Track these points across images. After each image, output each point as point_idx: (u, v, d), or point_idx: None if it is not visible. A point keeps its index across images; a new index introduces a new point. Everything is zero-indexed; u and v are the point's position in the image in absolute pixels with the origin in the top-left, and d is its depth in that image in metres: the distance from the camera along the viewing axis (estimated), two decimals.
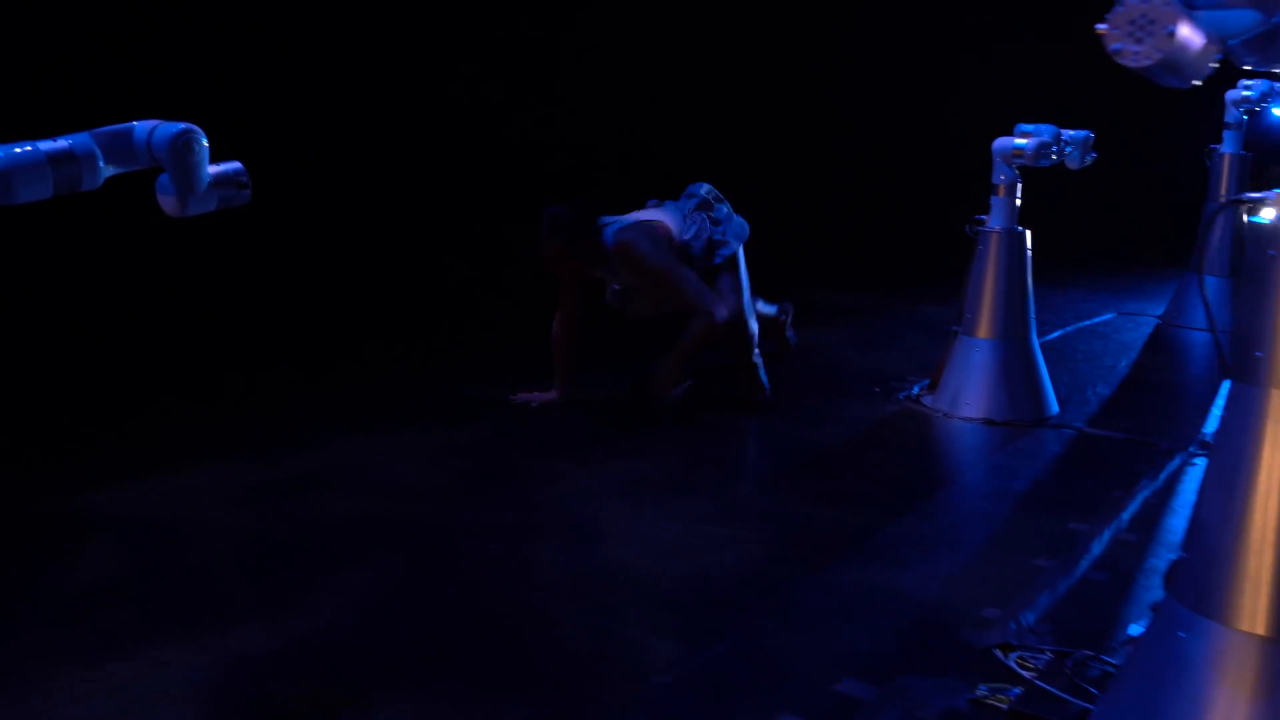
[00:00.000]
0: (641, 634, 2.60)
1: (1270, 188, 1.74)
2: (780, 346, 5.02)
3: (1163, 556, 3.02)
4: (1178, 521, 3.29)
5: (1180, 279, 6.25)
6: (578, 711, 2.28)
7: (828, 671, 2.40)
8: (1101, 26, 1.38)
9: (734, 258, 4.34)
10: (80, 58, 5.55)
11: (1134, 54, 1.32)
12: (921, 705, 2.26)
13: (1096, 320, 6.20)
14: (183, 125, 1.88)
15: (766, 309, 4.84)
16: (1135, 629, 2.51)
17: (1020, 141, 4.31)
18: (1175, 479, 3.65)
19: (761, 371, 4.48)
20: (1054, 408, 4.36)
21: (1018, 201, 4.39)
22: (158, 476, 3.57)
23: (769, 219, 7.87)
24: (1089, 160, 4.59)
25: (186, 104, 2.93)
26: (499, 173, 7.19)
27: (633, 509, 3.39)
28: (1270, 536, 1.77)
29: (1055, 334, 5.73)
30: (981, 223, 4.43)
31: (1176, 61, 1.35)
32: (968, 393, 4.33)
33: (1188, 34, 1.34)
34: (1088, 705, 2.21)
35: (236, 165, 2.01)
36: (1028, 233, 4.40)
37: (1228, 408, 1.88)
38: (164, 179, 1.92)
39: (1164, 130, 8.03)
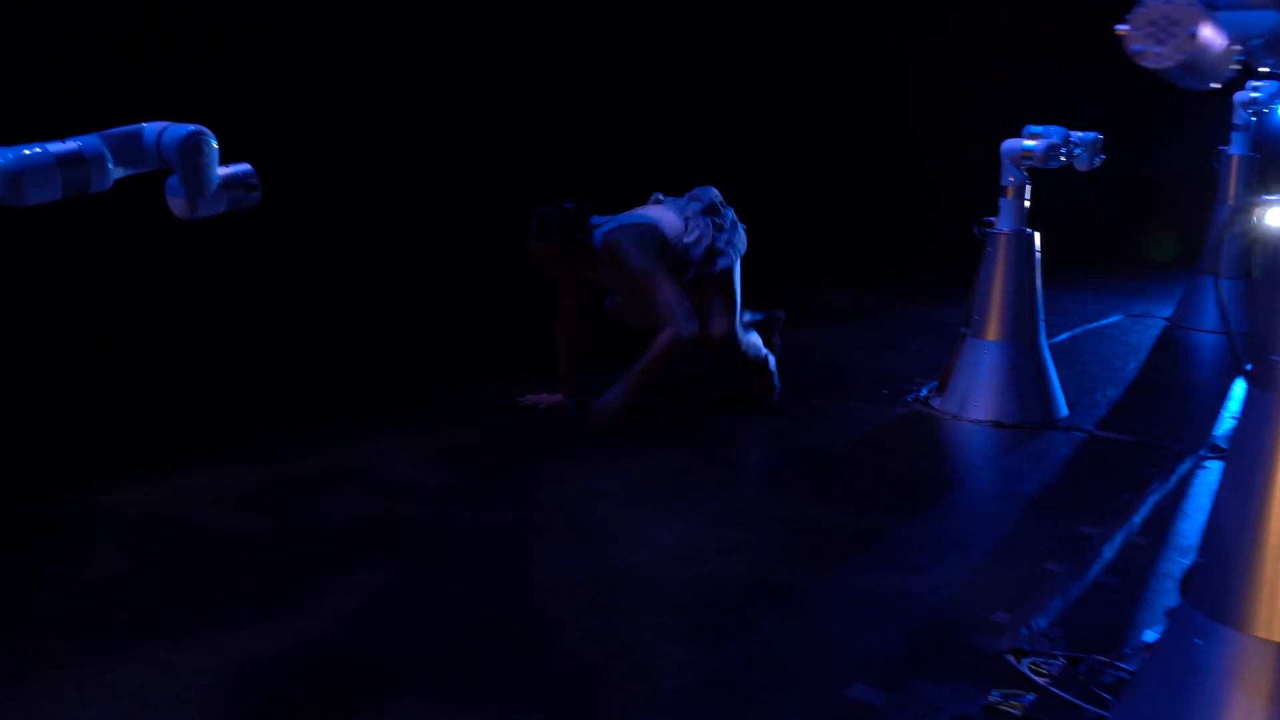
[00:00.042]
0: (651, 638, 2.58)
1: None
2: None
3: (1175, 561, 3.00)
4: (1189, 525, 3.27)
5: (1188, 281, 6.23)
6: (588, 716, 2.27)
7: (839, 676, 2.38)
8: (1122, 28, 1.36)
9: (730, 271, 4.25)
10: (83, 59, 5.54)
11: (1155, 55, 1.31)
12: (934, 711, 2.24)
13: (1104, 322, 6.19)
14: (192, 127, 1.87)
15: (753, 317, 4.71)
16: (1150, 635, 2.49)
17: (1029, 143, 4.29)
18: (1186, 482, 3.63)
19: (774, 371, 4.47)
20: (1063, 410, 4.35)
21: (1026, 203, 4.37)
22: (163, 477, 3.57)
23: (776, 220, 7.86)
24: (1098, 162, 4.57)
25: (186, 104, 2.92)
26: (500, 172, 7.17)
27: (641, 511, 3.37)
28: None
29: (1063, 336, 5.71)
30: (990, 225, 4.42)
31: (1198, 63, 1.34)
32: (976, 395, 4.31)
33: (1210, 35, 1.33)
34: (1102, 712, 2.19)
35: (246, 167, 2.00)
36: (1036, 235, 4.38)
37: (1243, 412, 1.86)
38: (173, 181, 1.91)
39: (1170, 131, 8.01)
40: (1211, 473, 3.71)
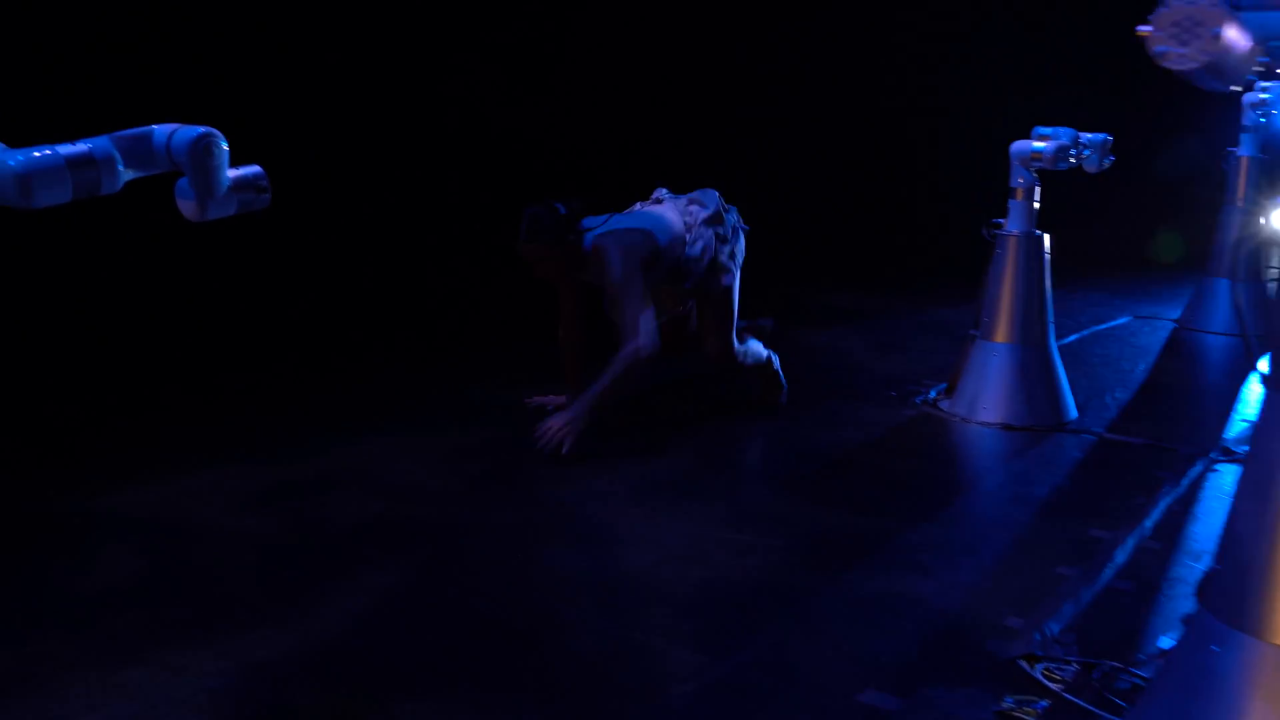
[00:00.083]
0: (659, 641, 2.57)
1: None
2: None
3: (1187, 565, 2.98)
4: (1201, 529, 3.25)
5: (1197, 282, 6.20)
6: None
7: (851, 682, 2.37)
8: (1144, 29, 1.34)
9: (731, 288, 4.17)
10: (82, 60, 5.54)
11: (1179, 57, 1.29)
12: (947, 717, 2.22)
13: (1112, 324, 6.17)
14: (202, 129, 1.86)
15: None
16: (1165, 641, 2.47)
17: (1038, 144, 4.28)
18: (1197, 485, 3.61)
19: (779, 370, 4.45)
20: (1073, 413, 4.33)
21: (1036, 205, 4.35)
22: (166, 478, 3.56)
23: (780, 220, 7.84)
24: (1107, 163, 4.55)
25: (185, 105, 2.91)
26: (500, 171, 7.16)
27: (649, 513, 3.36)
28: None
29: (1071, 337, 5.69)
30: (999, 226, 4.40)
31: (1221, 65, 1.32)
32: (986, 397, 4.29)
33: (1234, 36, 1.31)
34: (1116, 719, 2.18)
35: (256, 169, 1.99)
36: (1046, 237, 4.37)
37: (1261, 417, 1.85)
38: (183, 183, 1.90)
39: (1178, 133, 7.98)
40: (1223, 476, 3.69)
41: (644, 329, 3.82)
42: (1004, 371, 4.30)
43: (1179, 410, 4.64)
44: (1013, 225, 4.36)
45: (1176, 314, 6.29)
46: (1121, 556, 3.03)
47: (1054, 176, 4.33)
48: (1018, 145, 4.31)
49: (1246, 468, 1.88)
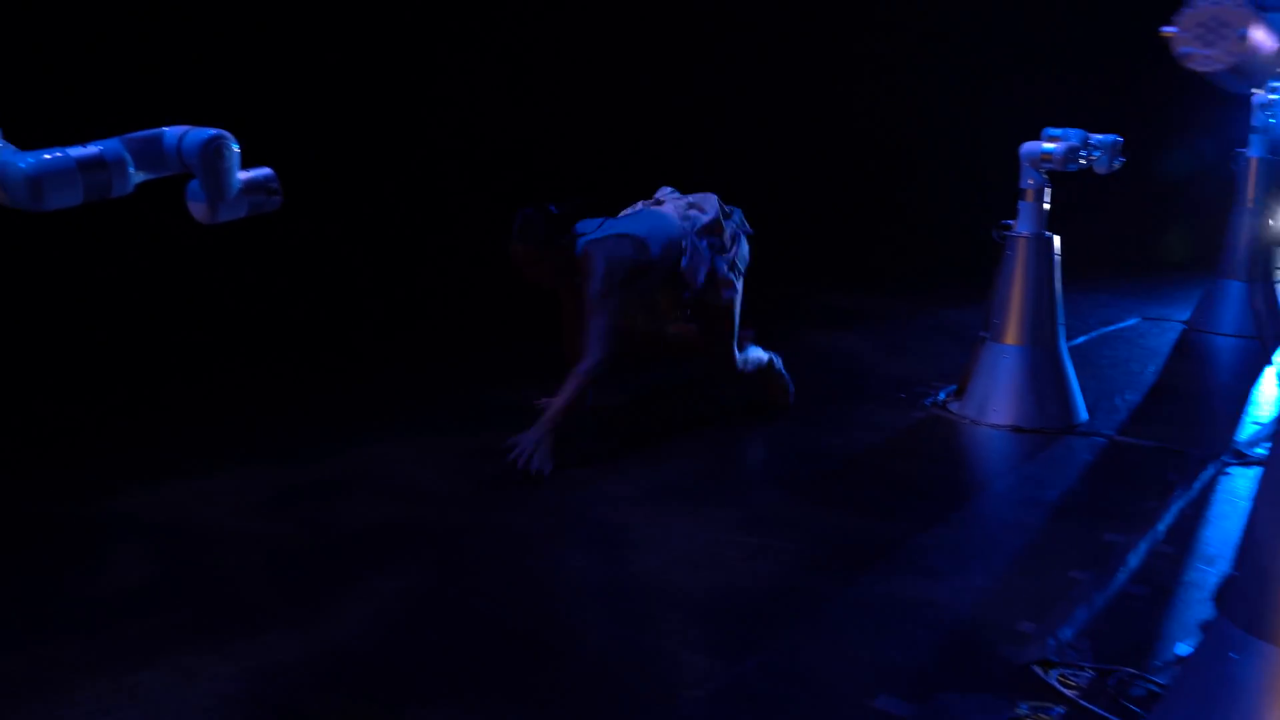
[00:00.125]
0: (672, 646, 2.55)
1: None
2: None
3: (1201, 570, 2.96)
4: (1214, 533, 3.23)
5: (1207, 284, 6.17)
6: None
7: (864, 687, 2.35)
8: (1169, 30, 1.32)
9: (733, 301, 4.10)
10: (93, 63, 5.54)
11: (1204, 58, 1.27)
12: None
13: (1121, 325, 6.14)
14: (214, 131, 1.85)
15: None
16: (1182, 648, 2.45)
17: (1048, 146, 4.25)
18: (1210, 489, 3.59)
19: (782, 371, 4.44)
20: (1083, 415, 4.31)
21: (1046, 206, 4.33)
22: (176, 481, 3.55)
23: (787, 222, 7.83)
24: (1117, 165, 4.53)
25: (185, 106, 2.90)
26: (505, 171, 7.15)
27: (659, 517, 3.34)
28: None
29: (1080, 339, 5.67)
30: (1009, 228, 4.38)
31: (1248, 66, 1.30)
32: (996, 399, 4.27)
33: (1261, 37, 1.29)
34: None
35: (267, 171, 1.97)
36: (1056, 238, 4.35)
37: None
38: (194, 185, 1.89)
39: (1187, 133, 7.95)
40: (1235, 479, 3.67)
41: (605, 344, 3.74)
42: (1014, 373, 4.27)
43: (1190, 413, 4.62)
44: (1022, 227, 4.34)
45: (1185, 315, 6.26)
46: (1134, 561, 3.01)
47: (1061, 177, 4.31)
48: (1027, 146, 4.29)
49: (1266, 472, 1.86)
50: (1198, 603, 2.75)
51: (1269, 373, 4.98)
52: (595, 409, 4.38)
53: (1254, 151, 5.91)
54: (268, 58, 6.28)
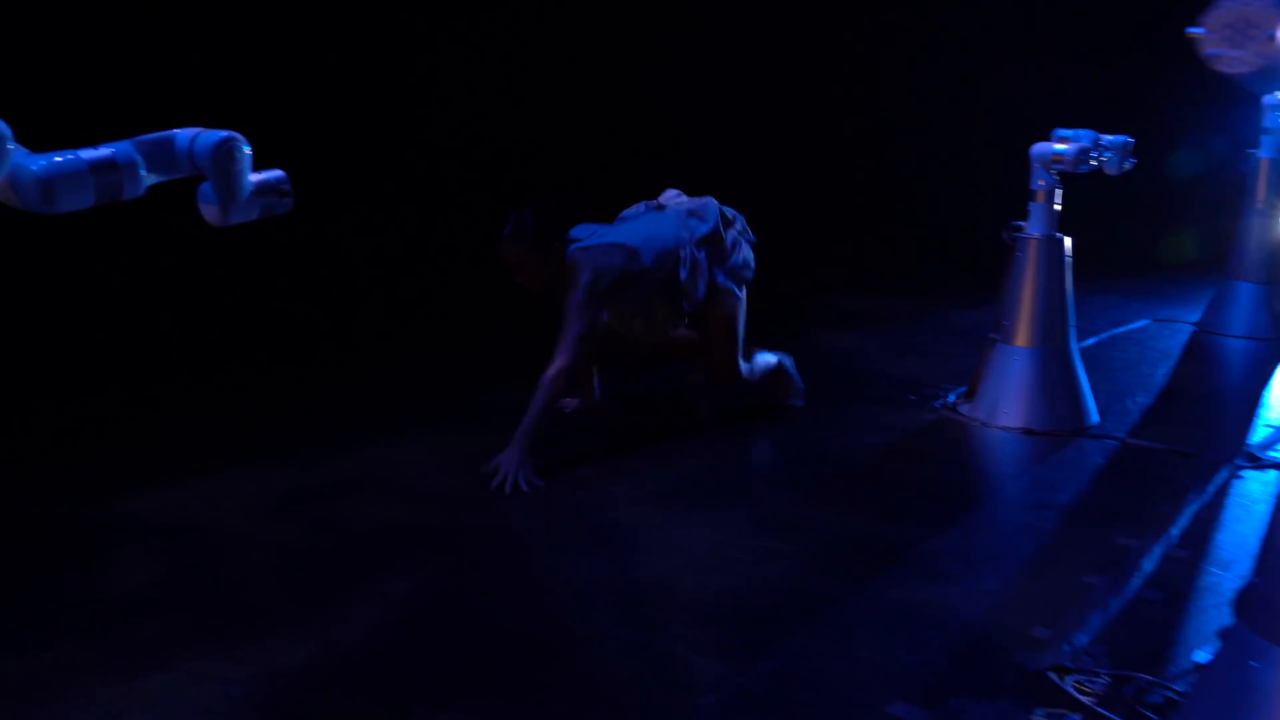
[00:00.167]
0: (684, 650, 2.54)
1: None
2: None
3: (1216, 575, 2.94)
4: (1228, 537, 3.20)
5: (1217, 285, 6.14)
6: None
7: (878, 693, 2.33)
8: (1195, 30, 1.30)
9: (735, 311, 4.06)
10: (101, 65, 5.53)
11: (1232, 60, 1.25)
12: None
13: (1131, 327, 6.11)
14: (225, 133, 1.84)
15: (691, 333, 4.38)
16: (1201, 655, 2.43)
17: (1059, 147, 4.23)
18: (1223, 492, 3.56)
19: (792, 372, 4.42)
20: (1094, 417, 4.28)
21: (1057, 207, 4.31)
22: (184, 482, 3.54)
23: (794, 223, 7.81)
24: (1128, 166, 4.50)
25: (184, 106, 2.89)
26: (508, 172, 7.13)
27: (669, 519, 3.33)
28: None
29: (1090, 340, 5.64)
30: (1019, 229, 4.36)
31: (1276, 67, 1.28)
32: (1006, 402, 4.25)
33: None
34: None
35: (279, 173, 1.97)
36: (1067, 240, 4.32)
37: None
38: (205, 187, 1.88)
39: (1197, 133, 7.92)
40: (1249, 482, 3.65)
41: (573, 351, 3.68)
42: (1025, 375, 4.25)
43: (1201, 415, 4.59)
44: (1033, 228, 4.32)
45: (1195, 317, 6.23)
46: (1149, 565, 2.99)
47: (1070, 178, 4.29)
48: (1038, 147, 4.26)
49: None
50: (1214, 608, 2.73)
51: None
52: (601, 408, 4.37)
53: (1265, 152, 5.87)
54: (267, 58, 6.27)
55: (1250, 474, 3.72)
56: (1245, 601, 1.87)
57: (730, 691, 2.36)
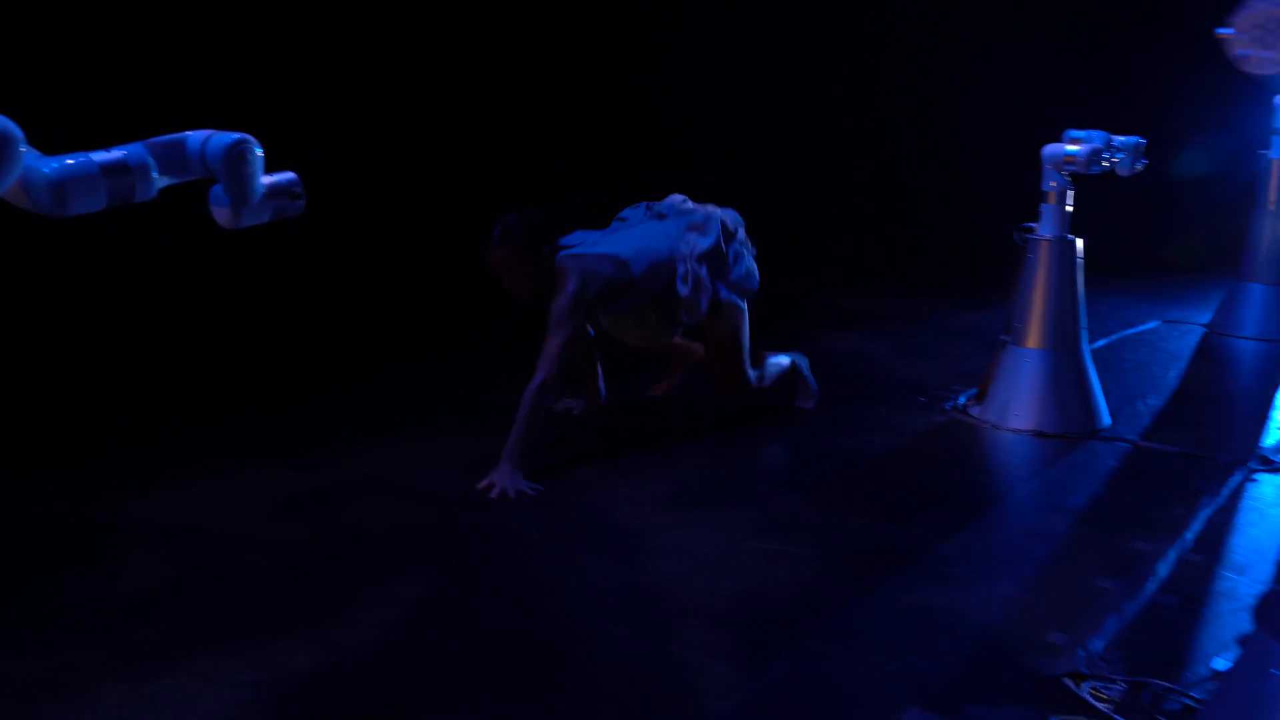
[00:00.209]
0: (694, 654, 2.52)
1: None
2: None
3: (1231, 579, 2.92)
4: (1243, 541, 3.18)
5: (1228, 286, 6.11)
6: None
7: (892, 699, 2.32)
8: (1224, 31, 1.29)
9: (739, 325, 4.02)
10: (109, 67, 5.53)
11: (1263, 61, 1.24)
12: None
13: (1142, 328, 6.08)
14: (237, 135, 1.83)
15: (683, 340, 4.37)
16: (1219, 662, 2.41)
17: (1071, 148, 4.20)
18: (1237, 496, 3.54)
19: (806, 374, 4.40)
20: (1106, 419, 4.26)
21: (1069, 208, 4.28)
22: (190, 484, 3.53)
23: (803, 224, 7.79)
24: (1139, 167, 4.48)
25: (184, 107, 2.88)
26: (508, 172, 7.12)
27: (678, 521, 3.31)
28: None
29: (1101, 342, 5.61)
30: (1030, 230, 4.33)
31: None
32: (1017, 404, 4.23)
33: None
34: None
35: (291, 175, 1.95)
36: (1079, 241, 4.30)
37: None
38: (217, 190, 1.87)
39: (1207, 134, 7.89)
40: (1263, 485, 3.62)
41: (554, 364, 3.63)
42: (1036, 378, 4.23)
43: (1214, 417, 4.56)
44: (1045, 229, 4.29)
45: (1206, 318, 6.20)
46: (1163, 569, 2.97)
47: (1081, 179, 4.26)
48: (1050, 148, 4.24)
49: None
50: (1229, 613, 2.71)
51: None
52: (606, 409, 4.35)
53: (1275, 153, 5.83)
54: (267, 58, 6.26)
55: (1264, 477, 3.70)
56: (1266, 609, 1.85)
57: (742, 697, 2.34)
